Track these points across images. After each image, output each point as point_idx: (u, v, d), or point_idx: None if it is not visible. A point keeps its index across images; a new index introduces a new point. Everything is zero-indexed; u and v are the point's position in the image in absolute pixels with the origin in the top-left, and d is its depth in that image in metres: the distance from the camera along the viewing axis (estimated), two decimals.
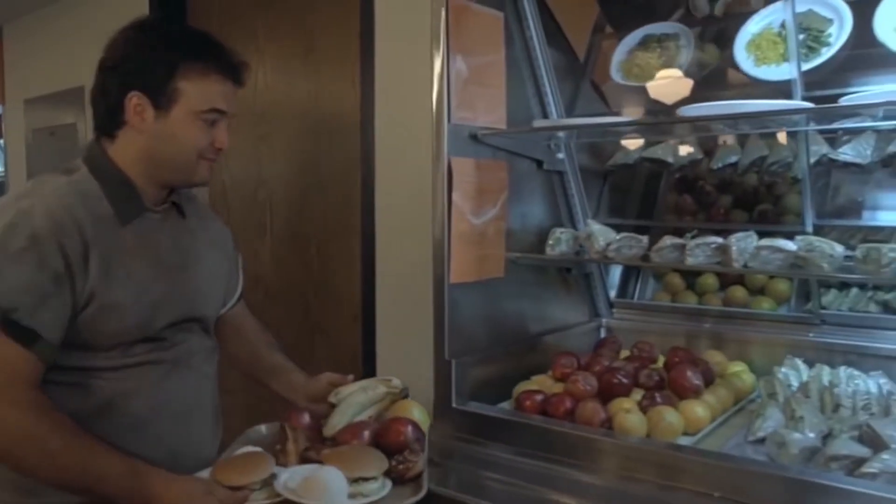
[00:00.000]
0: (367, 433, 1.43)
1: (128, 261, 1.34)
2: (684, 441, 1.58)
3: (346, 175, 2.20)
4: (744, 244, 1.68)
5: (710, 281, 2.36)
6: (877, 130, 1.88)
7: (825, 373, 1.84)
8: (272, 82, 2.38)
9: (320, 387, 1.59)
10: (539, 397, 1.72)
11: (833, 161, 1.92)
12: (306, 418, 1.51)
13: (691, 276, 2.38)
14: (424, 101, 1.72)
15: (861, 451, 1.37)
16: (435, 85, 1.68)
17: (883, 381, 1.76)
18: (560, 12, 2.09)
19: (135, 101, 1.33)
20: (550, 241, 1.98)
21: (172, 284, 1.41)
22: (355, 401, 1.51)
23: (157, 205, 1.43)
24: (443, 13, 1.69)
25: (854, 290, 2.11)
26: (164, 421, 1.38)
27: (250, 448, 1.40)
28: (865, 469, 1.30)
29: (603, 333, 2.32)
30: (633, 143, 2.23)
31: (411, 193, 1.95)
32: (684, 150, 2.20)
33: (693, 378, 1.70)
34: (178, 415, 1.41)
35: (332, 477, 1.26)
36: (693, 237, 1.78)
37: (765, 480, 1.30)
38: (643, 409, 1.63)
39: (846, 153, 1.89)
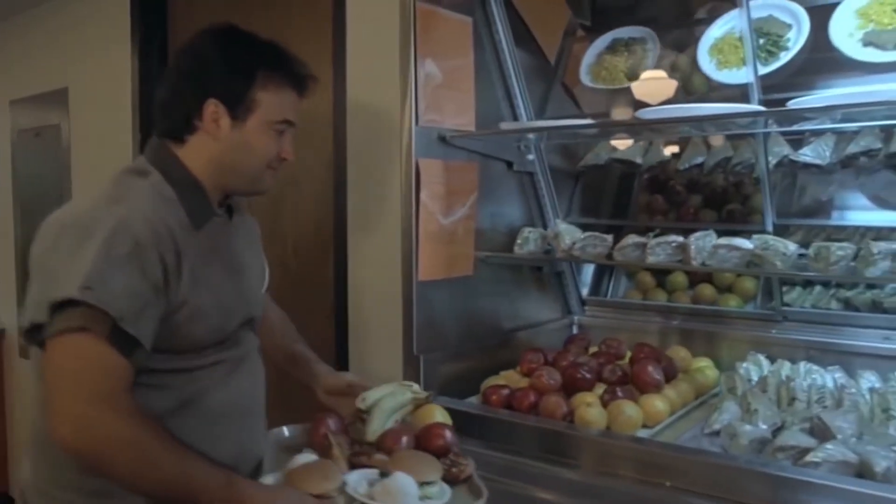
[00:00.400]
0: (405, 438, 1.45)
1: (205, 266, 1.34)
2: (643, 433, 1.63)
3: (319, 176, 2.25)
4: (702, 243, 1.74)
5: (679, 279, 2.41)
6: (836, 132, 1.94)
7: (785, 368, 1.90)
8: None
9: (340, 384, 1.63)
10: (505, 392, 1.77)
11: (794, 162, 1.98)
12: (332, 424, 1.51)
13: (662, 275, 2.43)
14: (393, 104, 1.77)
15: (808, 441, 1.43)
16: (402, 89, 1.73)
17: (838, 375, 1.82)
18: (530, 16, 2.14)
19: (212, 109, 1.33)
20: (519, 241, 2.04)
21: (237, 287, 1.43)
22: (387, 406, 1.54)
23: (217, 209, 1.44)
24: (411, 19, 1.75)
25: (817, 288, 2.17)
26: (231, 418, 1.39)
27: (307, 455, 1.41)
28: (809, 458, 1.35)
29: (575, 330, 2.37)
30: (620, 143, 2.27)
31: (381, 194, 1.99)
32: (653, 151, 2.25)
33: (654, 373, 1.75)
34: (242, 412, 1.43)
35: (406, 482, 1.30)
36: (655, 236, 1.83)
37: (711, 469, 1.36)
38: (604, 403, 1.68)
39: (806, 154, 1.95)
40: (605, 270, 2.55)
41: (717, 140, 2.17)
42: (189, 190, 1.35)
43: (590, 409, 1.63)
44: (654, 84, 2.14)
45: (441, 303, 1.94)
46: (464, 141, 1.89)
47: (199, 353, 1.34)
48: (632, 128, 1.93)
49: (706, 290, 2.33)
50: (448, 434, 1.46)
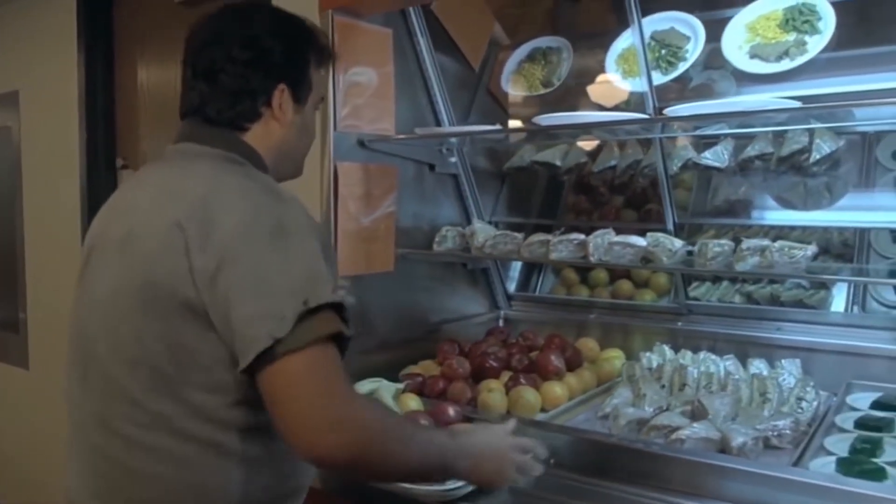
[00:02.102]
0: (424, 420, 1.59)
1: None
2: (541, 417, 1.76)
3: None
4: (600, 240, 1.87)
5: (601, 275, 2.54)
6: (735, 137, 2.08)
7: (686, 357, 2.03)
8: None
9: None
10: (419, 379, 1.90)
11: (697, 164, 2.11)
12: None
13: (585, 271, 2.56)
14: None
15: (680, 421, 1.56)
16: None
17: (729, 363, 1.95)
18: (453, 27, 2.26)
19: (280, 95, 1.29)
20: (437, 238, 2.16)
21: None
22: (387, 397, 1.68)
23: None
24: (329, 30, 1.86)
25: (724, 283, 2.31)
26: None
27: None
28: (675, 436, 1.49)
29: (501, 324, 2.50)
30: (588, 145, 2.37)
31: (304, 195, 2.09)
32: (571, 154, 2.37)
33: (555, 361, 1.88)
34: None
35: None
36: (561, 234, 1.96)
37: (584, 446, 1.50)
38: (508, 389, 1.81)
39: (707, 157, 2.08)
40: (533, 268, 2.68)
41: (631, 144, 2.31)
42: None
43: (491, 394, 1.76)
44: (608, 88, 2.27)
45: (370, 297, 2.06)
46: (382, 145, 2.01)
47: None
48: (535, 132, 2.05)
49: (624, 285, 2.46)
50: (451, 411, 1.64)
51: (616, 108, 2.18)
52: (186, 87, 1.31)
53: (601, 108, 2.18)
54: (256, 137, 1.30)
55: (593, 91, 2.18)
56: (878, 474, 1.32)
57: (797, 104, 1.55)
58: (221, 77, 1.27)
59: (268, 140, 1.31)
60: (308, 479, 1.31)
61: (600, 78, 2.19)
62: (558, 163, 2.37)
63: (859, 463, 1.37)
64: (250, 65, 1.27)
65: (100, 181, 2.91)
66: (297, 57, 1.32)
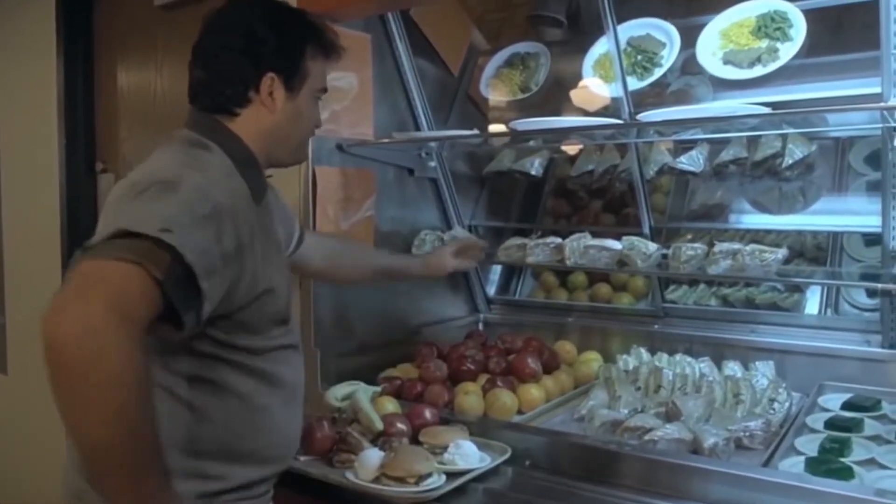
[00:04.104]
0: (400, 423, 1.62)
1: (267, 243, 1.34)
2: (518, 419, 1.77)
3: None
4: (576, 244, 1.89)
5: (580, 279, 2.56)
6: (710, 142, 2.10)
7: (663, 360, 2.05)
8: (169, 92, 2.54)
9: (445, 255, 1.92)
10: (397, 382, 1.91)
11: (673, 169, 2.14)
12: (326, 426, 1.63)
13: (564, 275, 2.58)
14: None
15: (653, 422, 1.58)
16: None
17: (703, 364, 1.98)
18: (431, 33, 2.28)
19: (268, 83, 1.34)
20: (416, 242, 2.17)
21: (283, 263, 1.44)
22: (365, 400, 1.69)
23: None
24: None
25: (701, 286, 2.33)
26: (298, 400, 1.41)
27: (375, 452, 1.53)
28: (648, 437, 1.51)
29: (481, 327, 2.51)
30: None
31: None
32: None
33: (532, 364, 1.90)
34: (301, 396, 1.44)
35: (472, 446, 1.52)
36: (538, 237, 1.98)
37: (558, 447, 1.51)
38: (484, 391, 1.82)
39: (682, 162, 2.10)
40: (513, 271, 2.70)
41: (608, 148, 2.33)
42: (247, 164, 1.34)
43: (468, 396, 1.77)
44: (585, 93, 2.29)
45: (350, 300, 2.07)
46: (361, 149, 2.02)
47: (269, 334, 1.33)
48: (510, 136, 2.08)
49: (602, 288, 2.48)
50: (427, 412, 1.66)
51: (596, 113, 2.21)
52: (191, 73, 1.37)
53: (583, 112, 2.21)
54: (243, 123, 1.35)
55: (571, 96, 2.20)
56: (844, 473, 1.34)
57: (766, 110, 1.58)
58: (215, 63, 1.34)
59: (256, 126, 1.36)
60: (273, 449, 1.34)
61: (578, 83, 2.22)
62: (534, 172, 2.38)
63: (827, 462, 1.39)
64: (243, 52, 1.33)
65: (79, 185, 2.89)
66: (291, 47, 1.36)
